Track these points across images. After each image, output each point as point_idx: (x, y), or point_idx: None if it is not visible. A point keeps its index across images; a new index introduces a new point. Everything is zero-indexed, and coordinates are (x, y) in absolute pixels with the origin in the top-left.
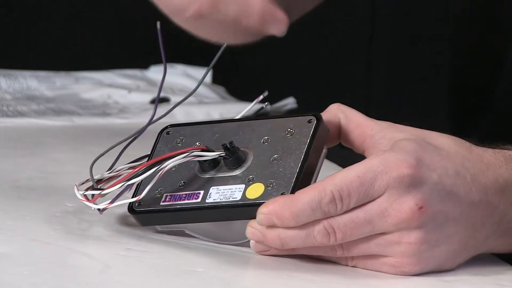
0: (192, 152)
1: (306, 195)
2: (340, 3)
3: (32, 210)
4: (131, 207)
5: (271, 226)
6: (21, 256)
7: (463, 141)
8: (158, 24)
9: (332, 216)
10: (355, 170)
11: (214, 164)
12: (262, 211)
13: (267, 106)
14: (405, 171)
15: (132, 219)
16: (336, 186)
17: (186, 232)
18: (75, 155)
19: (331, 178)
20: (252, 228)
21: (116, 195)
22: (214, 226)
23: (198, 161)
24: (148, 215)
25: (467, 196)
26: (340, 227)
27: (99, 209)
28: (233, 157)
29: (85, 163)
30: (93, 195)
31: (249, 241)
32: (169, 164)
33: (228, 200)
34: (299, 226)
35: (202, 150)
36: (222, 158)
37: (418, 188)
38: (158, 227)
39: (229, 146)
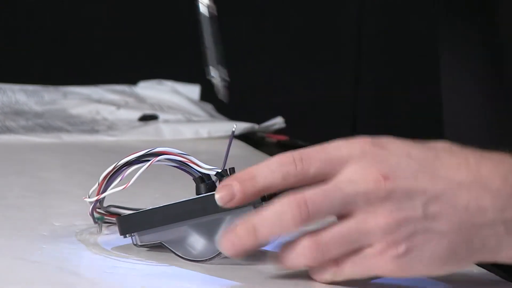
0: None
1: (267, 160)
2: (326, 21)
3: (19, 229)
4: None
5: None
6: (7, 275)
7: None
8: (234, 127)
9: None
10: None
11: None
12: (221, 183)
13: (254, 126)
14: (368, 144)
15: (119, 239)
16: (298, 150)
17: (163, 244)
18: (63, 173)
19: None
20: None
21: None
22: (188, 239)
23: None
24: (128, 217)
25: (449, 174)
26: (310, 197)
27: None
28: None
29: (73, 182)
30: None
31: (218, 255)
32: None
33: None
34: (270, 209)
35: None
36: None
37: (383, 161)
38: (138, 241)
39: (228, 172)
